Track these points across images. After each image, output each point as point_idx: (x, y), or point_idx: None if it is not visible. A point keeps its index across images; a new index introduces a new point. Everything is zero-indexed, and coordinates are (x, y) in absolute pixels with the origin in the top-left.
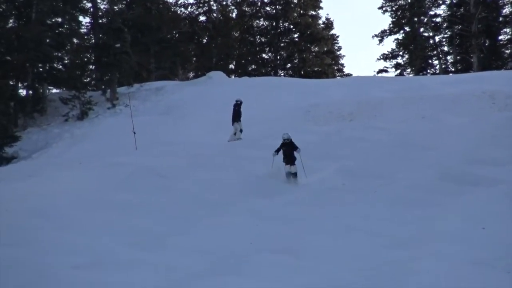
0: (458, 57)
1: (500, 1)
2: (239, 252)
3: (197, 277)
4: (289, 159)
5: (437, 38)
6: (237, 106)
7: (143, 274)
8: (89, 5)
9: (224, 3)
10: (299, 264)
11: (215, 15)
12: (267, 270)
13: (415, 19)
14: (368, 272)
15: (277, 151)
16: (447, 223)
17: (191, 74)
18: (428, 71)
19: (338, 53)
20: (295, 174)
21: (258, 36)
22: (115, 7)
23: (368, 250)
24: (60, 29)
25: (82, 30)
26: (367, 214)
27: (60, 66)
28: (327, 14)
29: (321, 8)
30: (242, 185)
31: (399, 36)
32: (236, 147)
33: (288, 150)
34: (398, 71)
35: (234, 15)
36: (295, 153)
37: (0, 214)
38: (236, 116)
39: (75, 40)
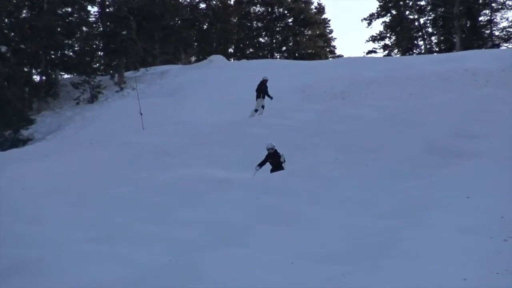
0: (442, 38)
1: None
2: (240, 224)
3: (203, 249)
4: (276, 170)
5: (421, 20)
6: (262, 84)
7: (152, 247)
8: None
9: None
10: (297, 235)
11: (214, 2)
12: (267, 241)
13: (401, 2)
14: (359, 240)
15: (261, 165)
16: (434, 194)
17: (193, 58)
18: (414, 51)
19: (330, 36)
20: None
21: (255, 22)
22: None
23: (359, 220)
24: (70, 18)
25: (90, 19)
26: (359, 187)
27: (71, 53)
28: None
29: None
30: (242, 161)
31: (387, 19)
32: (238, 125)
33: (275, 161)
34: (386, 52)
35: (232, 2)
36: (281, 161)
37: (17, 193)
38: (260, 92)
39: (84, 29)
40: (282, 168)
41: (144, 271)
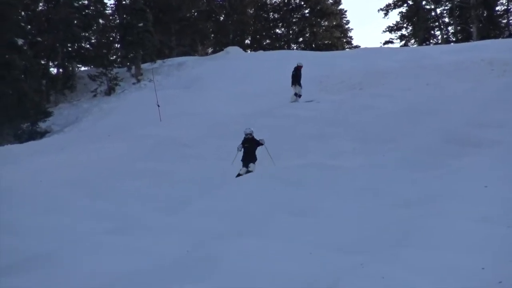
0: (459, 28)
1: None
2: (257, 215)
3: (220, 239)
4: (249, 159)
5: (438, 10)
6: (296, 70)
7: (169, 238)
8: None
9: None
10: (314, 225)
11: None
12: (285, 231)
13: None
14: (376, 230)
15: (242, 145)
16: (451, 183)
17: (209, 50)
18: (431, 41)
19: (346, 26)
20: (250, 173)
21: (272, 13)
22: None
23: (376, 210)
24: (86, 10)
25: (107, 11)
26: (376, 176)
27: (88, 46)
28: None
29: None
30: (259, 152)
31: (403, 9)
32: (255, 116)
33: (250, 147)
34: (403, 42)
35: None
36: (260, 150)
37: (36, 185)
38: (295, 79)
39: (101, 21)
40: (254, 158)
41: (161, 262)
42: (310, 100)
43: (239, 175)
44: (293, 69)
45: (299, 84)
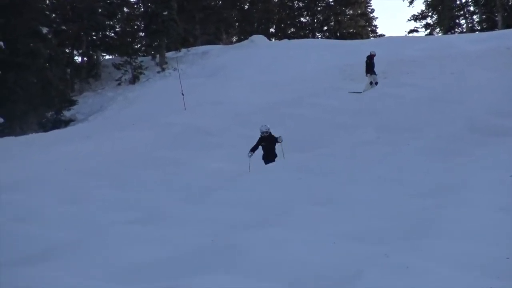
0: (484, 16)
1: None
2: (280, 205)
3: (244, 229)
4: (269, 156)
5: None
6: (369, 59)
7: (191, 227)
8: None
9: None
10: (337, 214)
11: None
12: (308, 221)
13: None
14: (400, 219)
15: (253, 149)
16: (474, 172)
17: (234, 39)
18: (456, 30)
19: (371, 15)
20: None
21: (296, 1)
22: None
23: (399, 200)
24: None
25: (131, 0)
26: (400, 166)
27: (112, 34)
28: None
29: None
30: (284, 141)
31: None
32: (279, 106)
33: (268, 145)
34: (428, 31)
35: None
36: (277, 146)
37: (59, 173)
38: (369, 68)
39: (125, 9)
40: (274, 155)
41: (184, 251)
42: (356, 91)
43: None
44: (366, 58)
45: (374, 72)
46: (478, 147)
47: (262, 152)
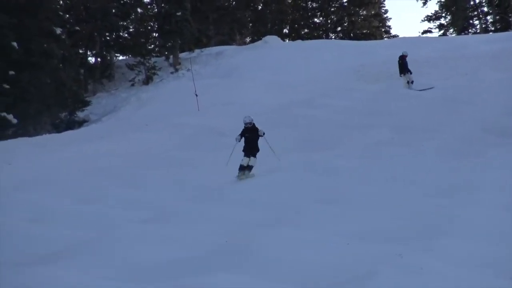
0: (497, 17)
1: None
2: (293, 204)
3: (256, 229)
4: (250, 149)
5: (477, 0)
6: (402, 59)
7: (203, 227)
8: None
9: None
10: (350, 214)
11: None
12: (321, 221)
13: None
14: (413, 219)
15: (241, 135)
16: (488, 172)
17: (248, 39)
18: (470, 31)
19: (385, 16)
20: (250, 168)
21: (310, 2)
22: None
23: (412, 200)
24: None
25: (145, 0)
26: (414, 166)
27: (126, 35)
28: None
29: None
30: (297, 141)
31: None
32: (293, 106)
33: (251, 136)
34: (442, 31)
35: None
36: (261, 140)
37: (73, 174)
38: (402, 68)
39: (139, 10)
40: (256, 148)
41: (197, 251)
42: (428, 88)
43: (241, 166)
44: (398, 58)
45: (409, 72)
46: (491, 147)
47: (243, 145)
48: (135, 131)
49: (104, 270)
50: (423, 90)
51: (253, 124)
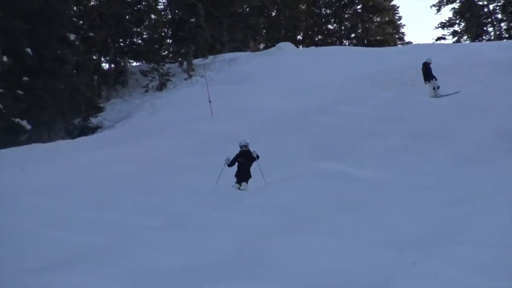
0: (511, 24)
1: None
2: (308, 212)
3: (269, 236)
4: (243, 175)
5: (491, 6)
6: (425, 66)
7: (218, 233)
8: None
9: None
10: (365, 221)
11: None
12: (336, 228)
13: None
14: (428, 227)
15: (233, 161)
16: (503, 180)
17: (261, 45)
18: (483, 37)
19: (399, 22)
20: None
21: (324, 8)
22: None
23: (427, 207)
24: (138, 6)
25: (159, 7)
26: (428, 173)
27: (140, 41)
28: None
29: None
30: (310, 147)
31: (456, 5)
32: (307, 113)
33: (245, 161)
34: (455, 38)
35: None
36: (253, 166)
37: (87, 180)
38: (427, 75)
39: (153, 16)
40: (248, 175)
41: (212, 258)
42: (454, 92)
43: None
44: (422, 66)
45: (434, 78)
46: (506, 154)
47: (236, 169)
48: (148, 137)
49: (118, 277)
50: (449, 95)
51: (248, 148)
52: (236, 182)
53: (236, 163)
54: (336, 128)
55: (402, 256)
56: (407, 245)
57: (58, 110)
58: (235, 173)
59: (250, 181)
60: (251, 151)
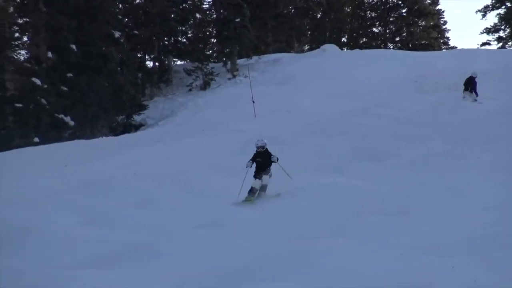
0: None
1: None
2: (348, 215)
3: (312, 238)
4: (262, 171)
5: None
6: (470, 79)
7: (260, 235)
8: None
9: None
10: (405, 225)
11: None
12: (376, 231)
13: None
14: (467, 232)
15: (251, 161)
16: None
17: (306, 47)
18: None
19: (444, 27)
20: (264, 187)
21: (369, 11)
22: None
23: (468, 212)
24: (184, 4)
25: (204, 6)
26: (470, 178)
27: (184, 40)
28: None
29: None
30: (355, 151)
31: (501, 11)
32: (350, 115)
33: (263, 161)
34: (500, 44)
35: None
36: (274, 166)
37: (129, 177)
38: (467, 86)
39: (198, 15)
40: (266, 173)
41: (253, 258)
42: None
43: (252, 188)
44: (467, 79)
45: (476, 93)
46: None
47: (254, 170)
48: (191, 136)
49: (158, 276)
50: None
51: (266, 148)
52: (256, 178)
53: (254, 163)
54: (378, 131)
55: (441, 260)
56: (446, 249)
57: (102, 107)
58: (253, 174)
59: (272, 175)
60: (271, 155)
